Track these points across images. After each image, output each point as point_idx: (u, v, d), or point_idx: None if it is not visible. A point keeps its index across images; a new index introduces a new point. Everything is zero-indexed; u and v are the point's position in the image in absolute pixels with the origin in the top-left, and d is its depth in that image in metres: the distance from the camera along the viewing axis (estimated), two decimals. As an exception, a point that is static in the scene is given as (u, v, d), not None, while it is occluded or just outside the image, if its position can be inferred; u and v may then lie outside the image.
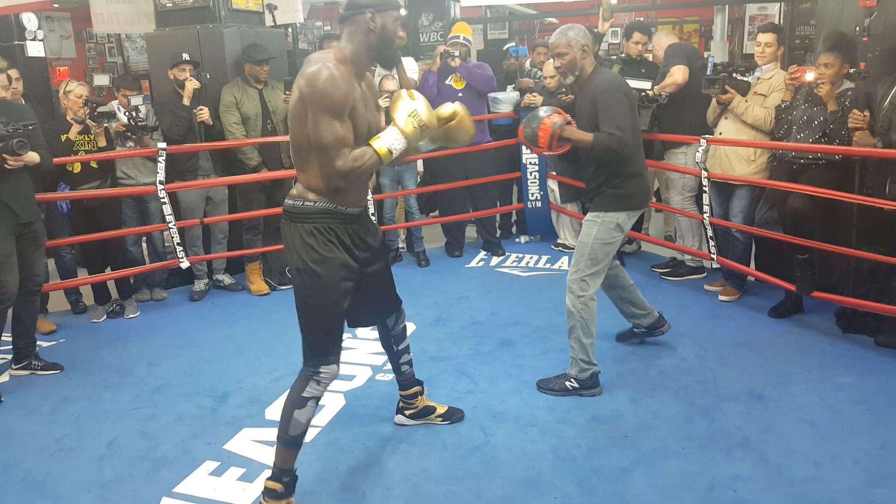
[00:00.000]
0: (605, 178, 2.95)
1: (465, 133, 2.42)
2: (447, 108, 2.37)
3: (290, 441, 2.27)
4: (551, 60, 3.16)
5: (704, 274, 4.49)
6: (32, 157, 3.27)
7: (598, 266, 2.94)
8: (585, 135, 2.86)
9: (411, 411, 2.80)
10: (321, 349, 2.28)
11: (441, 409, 2.83)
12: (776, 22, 6.87)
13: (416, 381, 2.78)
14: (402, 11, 2.35)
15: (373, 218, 4.67)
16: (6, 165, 3.17)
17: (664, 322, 3.42)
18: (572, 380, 2.99)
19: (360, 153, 2.16)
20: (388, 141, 2.18)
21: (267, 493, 2.28)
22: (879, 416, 2.78)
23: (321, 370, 2.27)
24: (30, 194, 3.41)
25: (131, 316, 4.28)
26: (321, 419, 2.90)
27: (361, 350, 3.59)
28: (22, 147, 3.17)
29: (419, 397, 2.80)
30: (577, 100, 3.13)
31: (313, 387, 2.27)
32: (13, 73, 4.07)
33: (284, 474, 2.28)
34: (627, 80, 4.31)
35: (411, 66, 5.29)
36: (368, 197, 2.51)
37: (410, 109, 2.20)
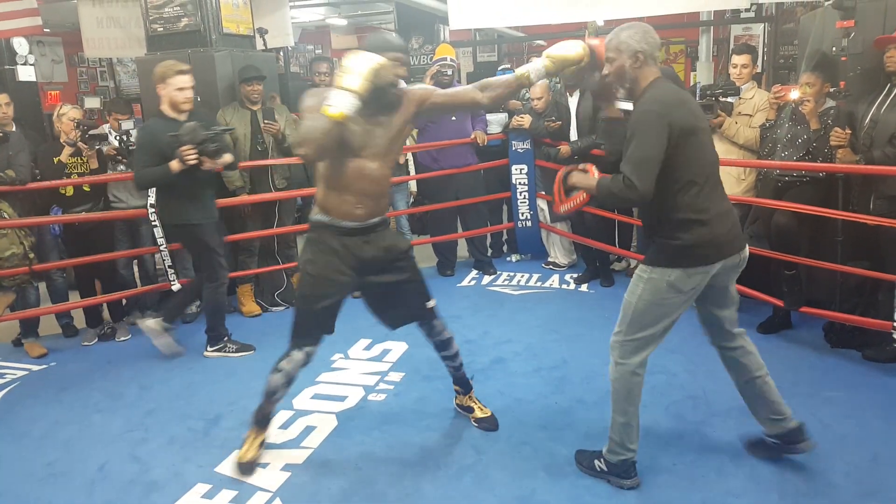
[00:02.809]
0: (656, 224, 2.34)
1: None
2: (371, 60, 2.31)
3: (265, 395, 2.72)
4: (540, 82, 3.17)
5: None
6: (227, 159, 3.69)
7: (646, 332, 2.35)
8: (589, 179, 2.37)
9: (456, 402, 3.05)
10: (297, 334, 2.65)
11: (480, 413, 2.97)
12: (762, 42, 7.01)
13: (459, 383, 3.01)
14: (395, 54, 2.44)
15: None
16: (203, 166, 3.55)
17: (806, 436, 2.54)
18: (602, 460, 2.51)
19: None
20: (331, 100, 2.23)
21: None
22: (869, 429, 2.80)
23: (292, 352, 2.65)
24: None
25: (123, 339, 4.26)
26: (313, 441, 2.89)
27: (353, 371, 3.59)
28: (218, 152, 3.58)
29: (459, 396, 3.03)
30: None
31: (285, 362, 2.66)
32: (3, 98, 4.10)
33: (259, 420, 2.77)
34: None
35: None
36: (376, 218, 2.59)
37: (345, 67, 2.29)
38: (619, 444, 2.44)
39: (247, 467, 2.69)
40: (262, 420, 2.77)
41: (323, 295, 2.56)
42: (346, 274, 2.56)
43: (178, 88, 3.60)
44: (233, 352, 3.90)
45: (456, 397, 3.06)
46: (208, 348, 3.92)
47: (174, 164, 3.50)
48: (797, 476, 2.50)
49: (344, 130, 2.32)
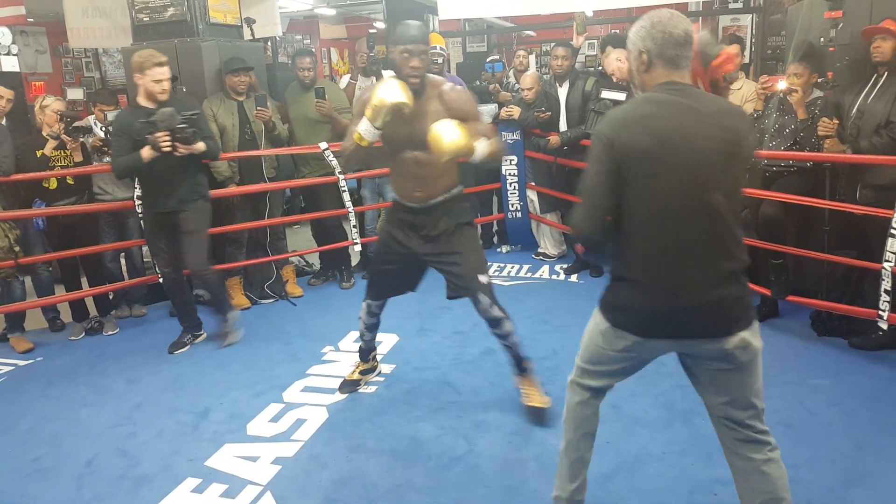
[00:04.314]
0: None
1: (437, 144, 2.54)
2: (391, 96, 2.55)
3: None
4: (529, 71, 3.16)
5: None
6: (200, 146, 3.60)
7: (589, 366, 2.00)
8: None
9: (515, 383, 3.05)
10: (366, 287, 3.08)
11: (531, 401, 2.91)
12: (750, 32, 7.01)
13: (512, 364, 3.01)
14: (407, 44, 2.63)
15: (355, 229, 4.68)
16: (177, 153, 3.48)
17: None
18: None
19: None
20: (360, 126, 2.65)
21: None
22: (855, 417, 2.83)
23: (363, 303, 3.11)
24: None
25: (110, 333, 4.23)
26: (304, 433, 2.89)
27: (344, 363, 3.58)
28: (194, 137, 3.52)
29: (515, 377, 3.04)
30: None
31: (362, 309, 3.14)
32: (7, 92, 4.03)
33: (360, 354, 3.36)
34: (603, 92, 4.34)
35: (390, 79, 5.32)
36: (438, 198, 2.83)
37: (374, 95, 2.60)
38: (558, 482, 2.10)
39: (347, 385, 3.26)
40: (362, 354, 3.31)
41: (385, 259, 2.96)
42: (405, 246, 2.86)
43: (155, 80, 3.55)
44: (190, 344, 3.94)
45: (514, 379, 3.06)
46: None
47: (145, 152, 3.46)
48: (784, 463, 2.51)
49: (386, 131, 2.64)
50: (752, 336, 1.80)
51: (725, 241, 1.75)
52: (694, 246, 1.73)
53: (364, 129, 2.64)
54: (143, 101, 3.62)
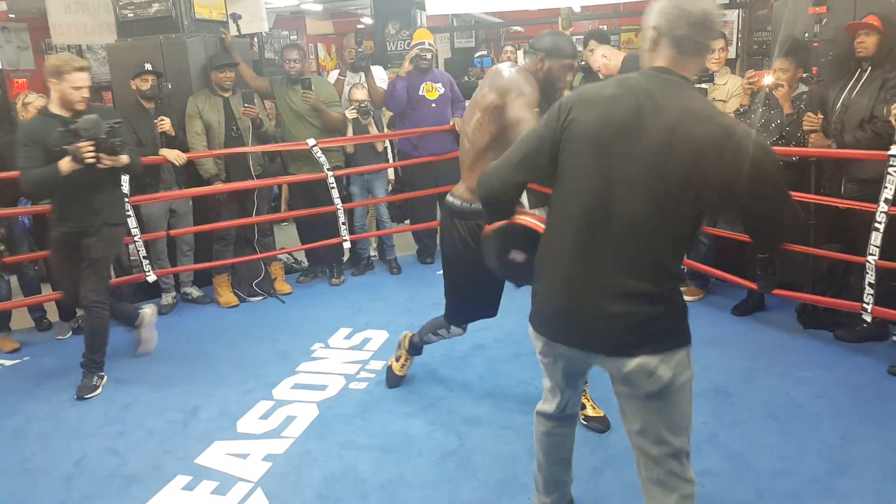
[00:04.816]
0: None
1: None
2: None
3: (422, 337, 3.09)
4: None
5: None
6: (124, 159, 3.25)
7: (544, 380, 1.98)
8: None
9: None
10: (456, 316, 2.87)
11: (591, 412, 2.79)
12: (736, 27, 7.05)
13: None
14: (571, 61, 2.47)
15: (344, 226, 4.68)
16: (100, 164, 3.13)
17: None
18: None
19: None
20: None
21: None
22: (840, 408, 2.87)
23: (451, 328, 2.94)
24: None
25: (97, 331, 4.19)
26: (294, 430, 2.89)
27: (334, 360, 3.58)
28: (121, 147, 3.19)
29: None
30: None
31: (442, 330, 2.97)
32: None
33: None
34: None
35: (380, 75, 5.31)
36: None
37: None
38: (535, 484, 2.12)
39: (393, 378, 3.23)
40: (412, 348, 3.20)
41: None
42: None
43: (74, 87, 3.19)
44: (101, 385, 3.40)
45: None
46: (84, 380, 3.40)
47: (64, 164, 3.06)
48: (771, 454, 2.55)
49: None
50: (662, 365, 1.60)
51: (640, 260, 1.57)
52: (601, 252, 1.59)
53: None
54: (56, 108, 3.25)
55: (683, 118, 1.50)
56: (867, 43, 3.31)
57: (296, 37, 11.82)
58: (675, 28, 1.54)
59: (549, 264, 1.70)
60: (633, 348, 1.60)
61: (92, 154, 3.08)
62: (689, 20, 1.53)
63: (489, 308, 2.78)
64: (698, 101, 1.56)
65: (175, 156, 4.16)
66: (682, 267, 1.33)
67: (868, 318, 3.25)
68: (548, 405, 1.96)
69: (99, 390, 3.37)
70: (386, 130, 5.21)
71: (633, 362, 1.60)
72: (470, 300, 2.76)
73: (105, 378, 3.45)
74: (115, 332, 4.19)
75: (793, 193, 3.45)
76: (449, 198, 2.66)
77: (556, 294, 1.68)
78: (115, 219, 3.41)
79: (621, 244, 1.57)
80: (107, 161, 3.15)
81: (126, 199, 4.04)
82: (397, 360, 3.25)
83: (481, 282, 2.55)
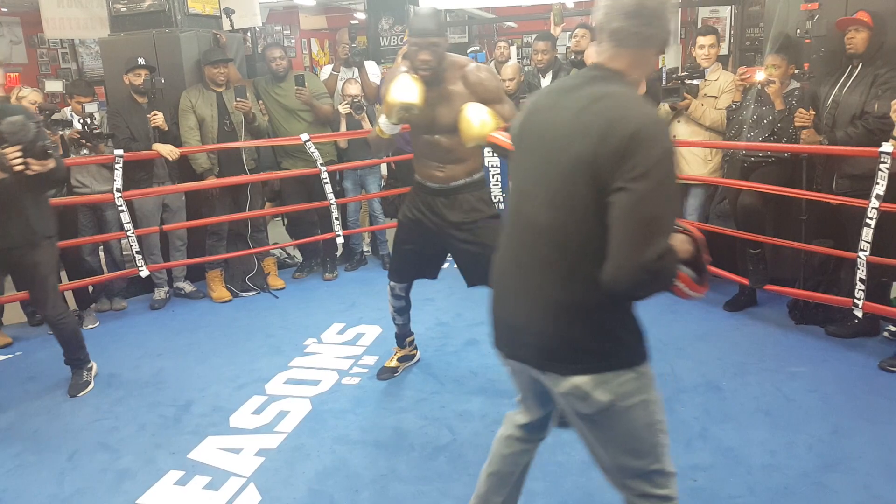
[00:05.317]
0: None
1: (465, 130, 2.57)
2: (401, 96, 2.59)
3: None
4: (510, 62, 3.17)
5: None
6: (50, 164, 2.90)
7: None
8: None
9: None
10: (389, 270, 3.15)
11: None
12: (729, 24, 7.07)
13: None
14: (413, 37, 2.65)
15: (337, 221, 4.67)
16: (29, 171, 2.82)
17: None
18: None
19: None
20: (379, 121, 2.76)
21: None
22: (831, 403, 2.89)
23: (388, 286, 3.13)
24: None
25: (90, 326, 4.19)
26: (287, 425, 2.89)
27: (327, 355, 3.58)
28: (52, 150, 2.90)
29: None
30: None
31: (388, 292, 3.15)
32: None
33: (397, 339, 3.35)
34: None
35: (373, 70, 5.30)
36: (460, 181, 2.86)
37: (388, 91, 2.62)
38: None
39: (385, 372, 3.29)
40: (398, 339, 3.32)
41: (405, 239, 2.98)
42: (426, 227, 2.88)
43: None
44: (91, 379, 3.36)
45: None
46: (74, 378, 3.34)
47: None
48: (762, 449, 2.57)
49: (410, 117, 2.69)
50: (598, 388, 1.47)
51: (559, 268, 1.47)
52: (526, 259, 1.53)
53: (383, 124, 2.73)
54: None
55: (584, 112, 1.42)
56: (857, 39, 3.33)
57: (289, 32, 11.78)
58: (611, 21, 1.46)
59: (493, 271, 1.67)
60: (562, 367, 1.50)
61: (20, 160, 2.78)
62: (623, 11, 1.45)
63: (426, 270, 3.08)
64: (609, 95, 1.43)
65: (168, 150, 4.15)
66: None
67: (859, 314, 3.27)
68: (519, 415, 1.86)
69: (91, 384, 3.35)
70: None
71: (566, 384, 1.50)
72: (409, 259, 3.03)
73: (94, 368, 3.42)
74: (105, 327, 4.18)
75: (784, 190, 3.52)
76: (431, 184, 2.86)
77: (494, 302, 1.65)
78: (50, 230, 3.13)
79: (538, 250, 1.49)
80: (36, 167, 2.82)
81: (119, 195, 4.04)
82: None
83: (424, 248, 2.96)
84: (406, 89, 2.57)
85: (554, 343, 1.50)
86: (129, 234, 4.15)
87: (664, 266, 1.37)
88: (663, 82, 4.01)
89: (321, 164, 4.55)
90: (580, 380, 1.48)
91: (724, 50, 5.99)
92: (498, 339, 1.67)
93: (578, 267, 1.44)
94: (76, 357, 3.34)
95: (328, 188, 4.60)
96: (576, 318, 1.47)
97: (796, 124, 3.40)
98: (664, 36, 1.47)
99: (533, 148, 1.51)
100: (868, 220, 3.12)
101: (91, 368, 3.40)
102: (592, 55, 4.40)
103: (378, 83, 5.03)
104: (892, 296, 3.53)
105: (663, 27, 1.46)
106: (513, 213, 1.57)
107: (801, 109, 3.37)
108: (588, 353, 1.48)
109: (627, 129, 1.34)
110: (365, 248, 5.36)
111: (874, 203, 3.09)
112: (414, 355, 3.39)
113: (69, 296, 4.27)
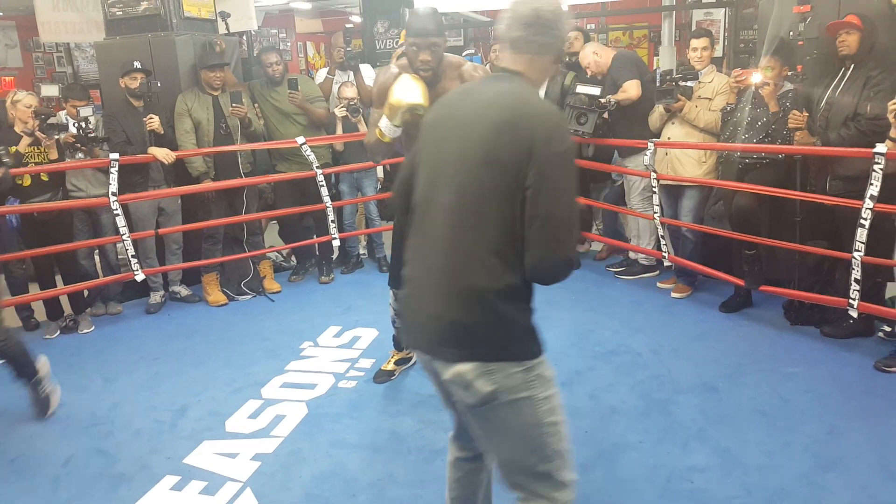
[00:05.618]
0: None
1: None
2: (408, 97, 2.53)
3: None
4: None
5: (657, 272, 4.59)
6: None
7: None
8: None
9: None
10: (389, 277, 3.14)
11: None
12: (723, 26, 7.10)
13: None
14: (413, 37, 2.63)
15: (333, 224, 4.67)
16: None
17: None
18: None
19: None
20: (380, 124, 2.67)
21: None
22: (827, 403, 2.89)
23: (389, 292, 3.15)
24: None
25: (86, 331, 4.18)
26: (283, 429, 2.88)
27: (323, 358, 3.58)
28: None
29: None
30: None
31: (390, 296, 3.17)
32: None
33: (394, 342, 3.37)
34: (578, 86, 4.37)
35: (369, 73, 5.30)
36: None
37: (392, 93, 2.57)
38: None
39: (382, 375, 3.29)
40: (395, 342, 3.33)
41: (402, 245, 2.86)
42: None
43: None
44: (49, 392, 3.14)
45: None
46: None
47: None
48: (758, 450, 2.57)
49: (414, 117, 2.59)
50: (480, 377, 1.48)
51: (458, 254, 1.50)
52: (432, 245, 1.56)
53: (385, 127, 2.66)
54: None
55: (489, 104, 1.53)
56: (849, 41, 3.34)
57: (284, 35, 11.79)
58: (510, 31, 1.58)
59: (404, 260, 1.69)
60: (449, 352, 1.51)
61: None
62: (521, 22, 1.56)
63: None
64: (512, 91, 1.54)
65: (164, 154, 4.15)
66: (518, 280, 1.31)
67: (854, 314, 3.28)
68: (456, 435, 1.82)
69: (54, 393, 3.13)
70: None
71: (450, 370, 1.51)
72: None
73: (44, 363, 3.14)
74: (101, 332, 4.17)
75: (778, 191, 3.54)
76: None
77: (405, 290, 1.66)
78: None
79: (444, 234, 1.53)
80: None
81: (115, 198, 4.04)
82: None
83: None
84: (411, 90, 2.53)
85: (445, 327, 1.51)
86: (124, 237, 4.14)
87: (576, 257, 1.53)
88: (657, 84, 4.03)
89: (317, 167, 4.55)
90: (464, 367, 1.48)
91: (718, 52, 6.01)
92: (405, 329, 1.70)
93: (480, 252, 1.47)
94: (24, 373, 3.09)
95: (324, 191, 4.60)
96: (470, 303, 1.48)
97: (790, 126, 3.41)
98: (559, 45, 1.60)
99: (442, 139, 1.59)
100: (862, 221, 3.13)
101: (41, 380, 3.11)
102: (588, 56, 4.43)
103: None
104: (887, 296, 3.54)
105: (558, 37, 1.58)
106: (422, 202, 1.61)
107: (795, 111, 3.38)
108: (476, 338, 1.49)
109: (531, 122, 1.46)
110: (361, 251, 5.36)
111: (868, 204, 3.10)
112: (411, 358, 3.38)
113: (64, 300, 4.27)
